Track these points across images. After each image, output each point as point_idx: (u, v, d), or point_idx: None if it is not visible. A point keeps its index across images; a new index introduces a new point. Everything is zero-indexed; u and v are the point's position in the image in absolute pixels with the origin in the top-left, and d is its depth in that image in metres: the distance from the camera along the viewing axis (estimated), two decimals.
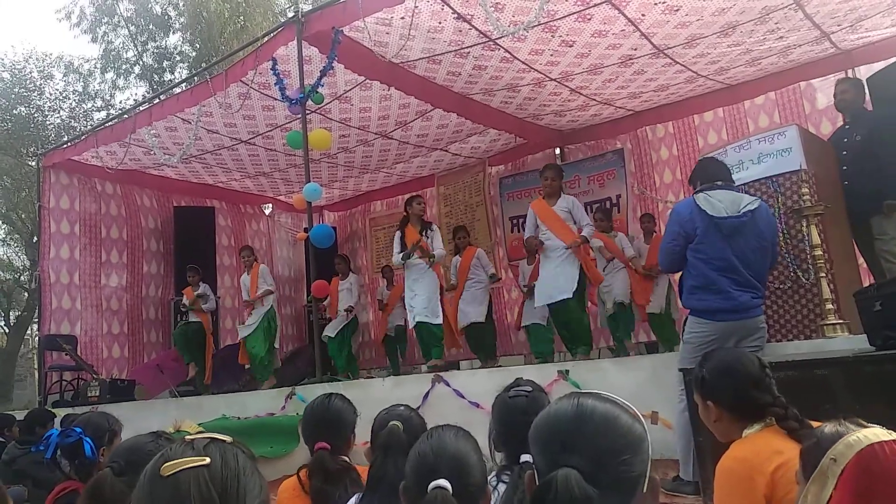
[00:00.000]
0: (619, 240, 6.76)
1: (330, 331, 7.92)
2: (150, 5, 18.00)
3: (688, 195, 7.56)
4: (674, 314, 6.78)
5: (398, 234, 6.51)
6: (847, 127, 5.00)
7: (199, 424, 5.61)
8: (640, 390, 4.20)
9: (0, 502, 1.79)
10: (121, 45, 18.20)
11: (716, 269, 3.50)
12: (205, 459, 0.88)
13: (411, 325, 6.53)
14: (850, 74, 6.44)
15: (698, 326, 3.55)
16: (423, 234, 6.30)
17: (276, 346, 7.70)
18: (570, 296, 5.56)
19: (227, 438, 0.95)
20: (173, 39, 18.47)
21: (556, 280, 5.62)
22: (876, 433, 1.27)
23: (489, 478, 1.87)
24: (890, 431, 1.47)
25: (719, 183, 3.71)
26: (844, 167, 4.84)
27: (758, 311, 3.55)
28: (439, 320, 6.30)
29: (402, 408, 2.14)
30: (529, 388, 1.99)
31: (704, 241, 3.55)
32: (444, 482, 1.31)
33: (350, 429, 2.32)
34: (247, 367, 7.73)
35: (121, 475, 1.50)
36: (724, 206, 3.51)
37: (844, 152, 4.85)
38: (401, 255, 6.34)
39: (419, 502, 1.31)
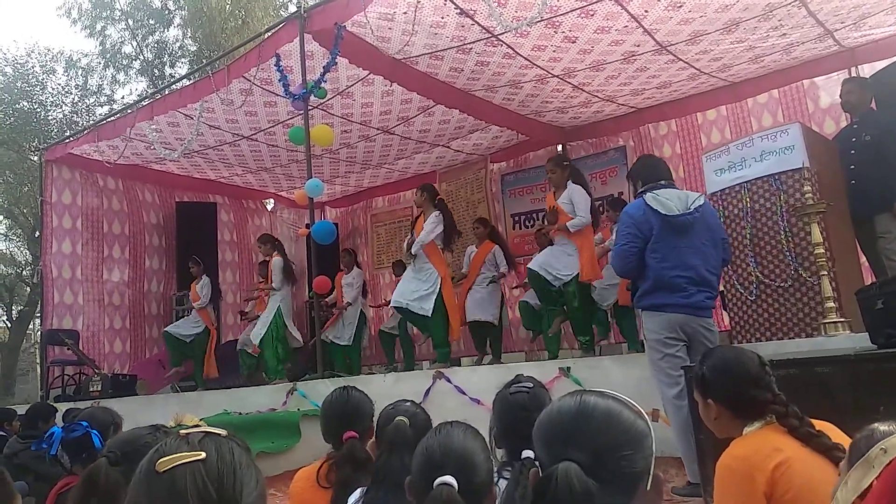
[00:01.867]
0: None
1: (342, 338, 7.90)
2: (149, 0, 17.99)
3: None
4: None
5: (411, 224, 6.60)
6: (855, 126, 4.96)
7: (201, 419, 5.62)
8: (641, 388, 4.18)
9: (7, 496, 1.79)
10: (119, 39, 18.19)
11: (671, 269, 3.52)
12: (200, 454, 0.88)
13: (393, 303, 6.47)
14: (853, 72, 6.42)
15: (651, 321, 3.60)
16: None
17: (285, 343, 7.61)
18: (566, 279, 5.62)
19: (223, 432, 0.94)
20: (173, 34, 18.47)
21: (547, 259, 5.76)
22: None
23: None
24: None
25: (663, 182, 3.72)
26: (852, 167, 4.80)
27: (709, 312, 3.63)
28: (422, 312, 6.15)
29: (407, 403, 2.14)
30: (530, 385, 1.99)
31: (660, 240, 3.55)
32: (449, 479, 1.31)
33: (370, 418, 2.33)
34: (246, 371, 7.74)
35: (116, 465, 1.50)
36: (673, 203, 3.53)
37: (852, 151, 4.81)
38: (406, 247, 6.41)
39: (424, 498, 1.31)
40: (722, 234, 3.78)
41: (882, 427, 1.33)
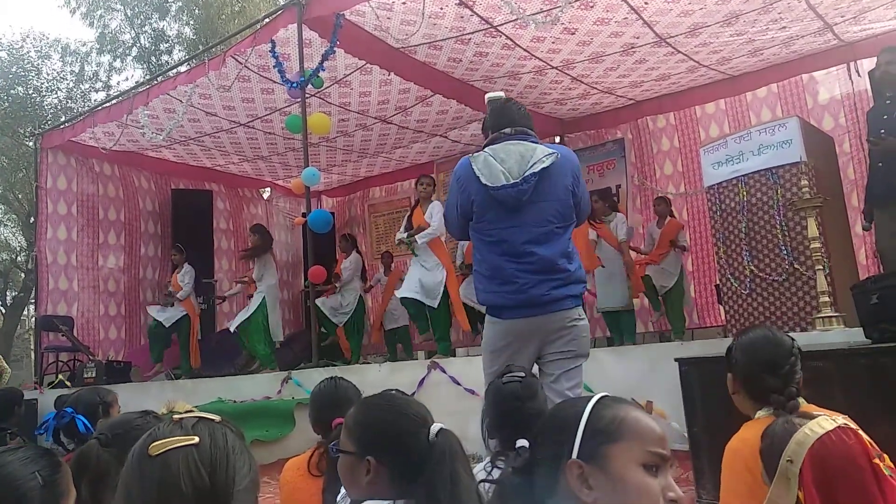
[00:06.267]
0: (615, 223, 6.61)
1: (321, 303, 7.76)
2: None
3: (689, 187, 7.65)
4: (686, 299, 6.87)
5: (407, 215, 6.48)
6: (888, 102, 4.41)
7: (195, 407, 5.62)
8: (636, 380, 4.20)
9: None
10: (117, 27, 18.08)
11: (502, 254, 2.73)
12: (193, 439, 0.88)
13: (400, 294, 6.38)
14: (852, 67, 6.42)
15: (489, 327, 2.82)
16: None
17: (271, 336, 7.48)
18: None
19: (216, 417, 0.94)
20: (171, 22, 18.34)
21: None
22: (821, 424, 1.29)
23: (483, 464, 1.87)
24: (834, 417, 1.50)
25: (507, 131, 2.81)
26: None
27: (565, 303, 2.72)
28: (429, 304, 6.11)
29: (393, 392, 2.14)
30: (522, 374, 1.99)
31: (485, 216, 2.76)
32: (440, 425, 1.36)
33: None
34: (244, 352, 7.71)
35: (107, 447, 1.53)
36: (506, 167, 2.69)
37: (882, 131, 4.36)
38: (403, 235, 6.28)
39: (411, 461, 1.33)
40: (579, 196, 2.83)
41: (777, 429, 1.34)
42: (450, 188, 2.94)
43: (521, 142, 2.78)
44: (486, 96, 3.18)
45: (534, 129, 2.90)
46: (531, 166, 2.67)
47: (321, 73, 6.00)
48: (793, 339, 1.88)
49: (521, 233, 2.71)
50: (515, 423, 1.85)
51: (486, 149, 2.81)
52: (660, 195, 7.24)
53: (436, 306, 6.10)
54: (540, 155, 2.70)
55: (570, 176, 2.78)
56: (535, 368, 2.79)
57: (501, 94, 3.17)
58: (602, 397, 1.14)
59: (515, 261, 2.71)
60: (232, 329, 7.30)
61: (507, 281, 2.71)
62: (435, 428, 1.35)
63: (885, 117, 4.36)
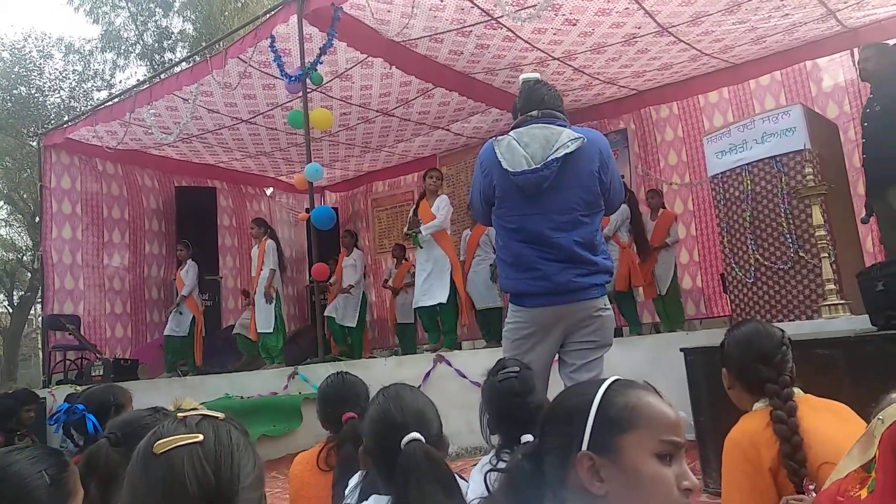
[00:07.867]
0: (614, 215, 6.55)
1: (332, 311, 7.90)
2: None
3: (694, 178, 7.62)
4: (679, 294, 6.86)
5: (413, 207, 6.45)
6: (871, 96, 4.47)
7: (202, 404, 5.63)
8: (640, 370, 4.20)
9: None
10: (121, 25, 18.10)
11: (523, 241, 2.65)
12: (198, 436, 0.88)
13: (415, 305, 6.47)
14: (855, 54, 6.37)
15: (511, 315, 2.75)
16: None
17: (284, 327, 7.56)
18: None
19: (220, 415, 0.94)
20: (174, 19, 18.36)
21: None
22: None
23: (489, 457, 1.88)
24: None
25: (534, 113, 2.71)
26: (864, 140, 4.46)
27: (591, 292, 2.62)
28: (439, 300, 6.10)
29: (408, 387, 2.15)
30: (517, 369, 1.97)
31: (506, 202, 2.68)
32: (417, 434, 1.35)
33: (366, 400, 2.34)
34: (243, 354, 7.73)
35: (117, 446, 1.53)
36: (529, 152, 2.59)
37: (866, 124, 4.45)
38: (405, 231, 6.27)
39: (388, 460, 1.34)
40: (608, 184, 2.70)
41: (893, 395, 1.32)
42: (474, 173, 2.85)
43: (548, 125, 2.66)
44: (520, 77, 3.05)
45: (564, 111, 2.77)
46: (554, 151, 2.55)
47: (320, 68, 5.98)
48: (783, 331, 1.89)
49: (542, 220, 2.61)
50: (516, 419, 1.85)
51: (511, 132, 2.71)
52: (652, 189, 7.22)
53: (445, 301, 6.09)
54: (565, 139, 2.57)
55: (597, 161, 2.64)
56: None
57: (536, 74, 3.02)
58: (613, 382, 1.10)
59: (537, 248, 2.62)
60: (270, 329, 7.19)
61: (530, 268, 2.62)
62: (407, 437, 1.35)
63: (868, 111, 4.41)
